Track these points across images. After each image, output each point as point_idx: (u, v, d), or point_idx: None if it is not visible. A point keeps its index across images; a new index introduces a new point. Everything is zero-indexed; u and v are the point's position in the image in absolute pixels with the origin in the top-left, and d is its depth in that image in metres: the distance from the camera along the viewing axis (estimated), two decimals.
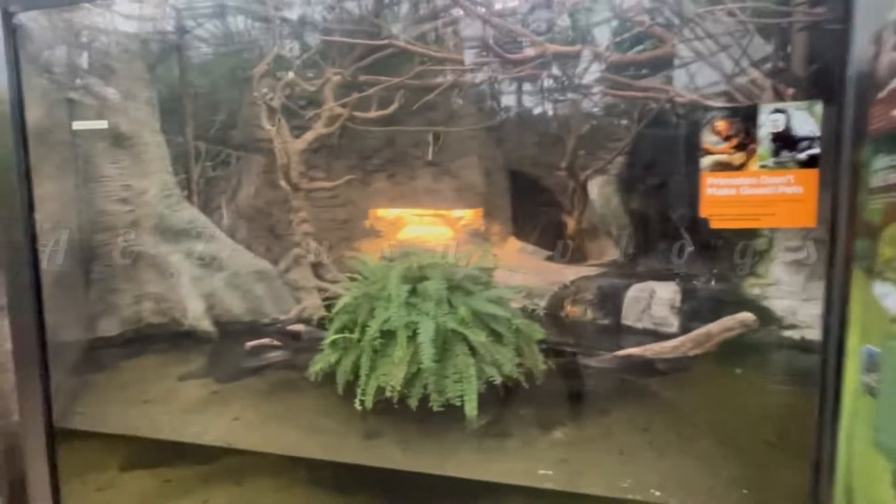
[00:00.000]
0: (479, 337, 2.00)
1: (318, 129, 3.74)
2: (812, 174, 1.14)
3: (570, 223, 5.13)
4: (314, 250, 3.72)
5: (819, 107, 1.12)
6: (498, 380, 2.02)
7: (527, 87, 5.56)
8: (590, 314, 3.65)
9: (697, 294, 3.47)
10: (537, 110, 5.78)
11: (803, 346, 2.91)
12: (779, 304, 3.27)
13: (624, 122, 5.23)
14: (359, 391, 2.00)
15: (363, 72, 4.52)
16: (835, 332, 1.17)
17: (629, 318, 3.42)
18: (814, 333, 3.05)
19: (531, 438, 2.10)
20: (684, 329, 3.11)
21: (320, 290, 3.67)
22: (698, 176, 3.83)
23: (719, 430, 2.05)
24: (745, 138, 1.16)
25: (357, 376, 2.08)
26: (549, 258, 4.90)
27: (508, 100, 5.78)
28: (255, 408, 2.37)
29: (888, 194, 0.91)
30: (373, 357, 2.02)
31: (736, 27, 3.75)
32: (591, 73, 4.08)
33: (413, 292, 2.12)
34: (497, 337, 2.14)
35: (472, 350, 2.05)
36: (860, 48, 1.07)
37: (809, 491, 1.24)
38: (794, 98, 3.89)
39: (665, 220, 5.07)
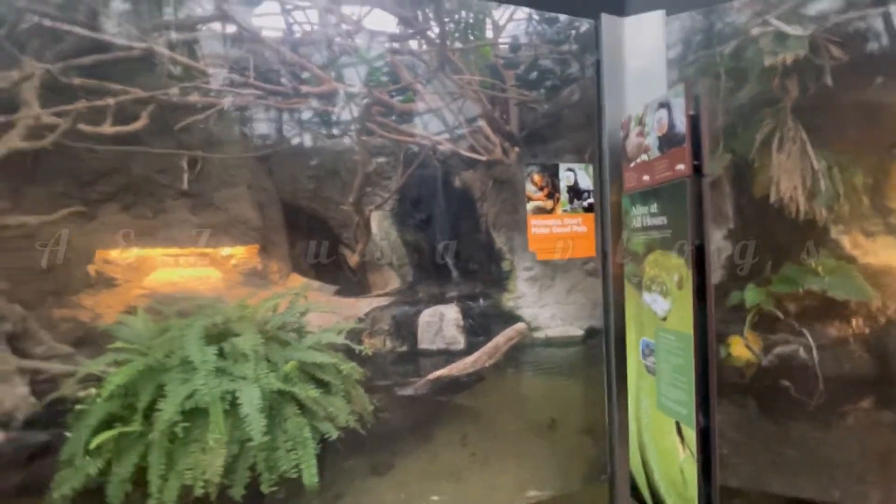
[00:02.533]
0: (310, 393, 1.80)
1: (13, 141, 2.62)
2: (591, 217, 1.55)
3: (354, 257, 5.18)
4: (15, 315, 2.53)
5: (591, 168, 1.55)
6: (334, 435, 1.85)
7: (303, 119, 5.41)
8: (388, 344, 3.75)
9: (473, 312, 4.07)
10: (313, 144, 5.67)
11: (548, 343, 3.82)
12: (526, 312, 4.18)
13: (394, 163, 5.72)
14: (151, 502, 1.48)
15: (78, 73, 3.48)
16: (612, 332, 1.61)
17: (424, 341, 3.70)
18: (552, 332, 4.04)
19: (368, 487, 2.00)
20: (470, 344, 3.60)
21: (27, 372, 2.50)
22: (456, 211, 4.53)
23: (520, 424, 2.45)
24: (552, 189, 1.48)
25: (142, 483, 1.53)
26: (338, 293, 4.80)
27: (282, 130, 5.47)
28: None
29: (645, 233, 1.34)
30: (169, 449, 1.54)
31: (476, 99, 4.71)
32: (367, 114, 4.30)
33: (220, 354, 1.73)
34: (325, 387, 1.97)
35: (302, 408, 1.82)
36: (609, 131, 1.54)
37: (608, 450, 1.63)
38: (517, 152, 5.16)
39: (433, 250, 5.77)
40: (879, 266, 3.42)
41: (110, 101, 2.92)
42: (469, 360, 2.82)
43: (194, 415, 1.58)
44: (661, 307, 1.26)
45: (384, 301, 4.40)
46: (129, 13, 3.72)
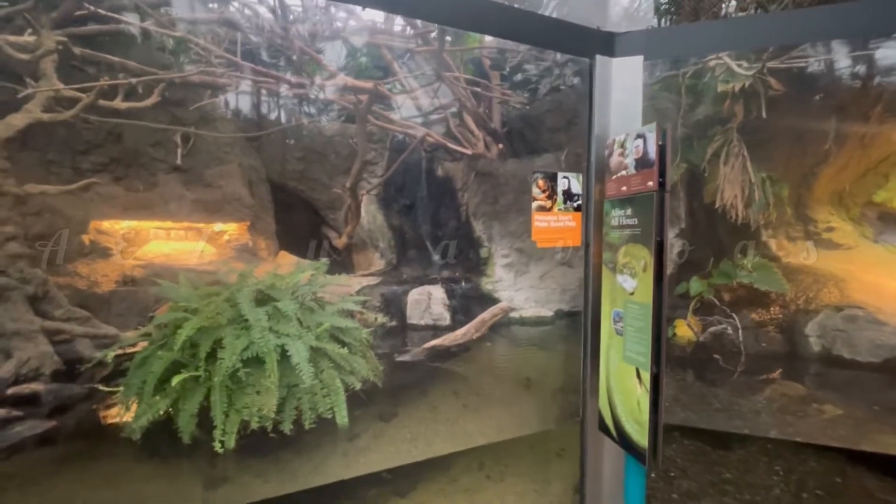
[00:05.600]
0: (340, 350, 2.15)
1: (35, 112, 2.71)
2: (578, 215, 1.96)
3: (342, 238, 5.43)
4: (37, 279, 2.68)
5: (581, 177, 1.96)
6: (358, 386, 2.21)
7: (296, 103, 5.55)
8: (379, 318, 4.09)
9: (456, 293, 4.48)
10: (304, 127, 5.82)
11: (522, 322, 4.29)
12: (503, 294, 4.64)
13: (381, 150, 5.97)
14: (217, 432, 1.79)
15: (82, 44, 3.53)
16: (590, 304, 2.04)
17: (413, 317, 4.07)
18: (526, 313, 4.52)
19: (378, 430, 2.38)
20: (454, 321, 4.00)
21: (49, 332, 2.66)
22: (438, 199, 5.05)
23: (502, 384, 2.89)
24: (551, 192, 1.89)
25: (206, 417, 1.84)
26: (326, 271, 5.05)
27: (274, 112, 5.58)
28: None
29: (621, 230, 1.77)
30: (230, 391, 1.85)
31: (463, 95, 5.05)
32: (367, 106, 4.55)
33: (266, 315, 2.04)
34: (347, 348, 2.32)
35: (332, 363, 2.16)
36: (595, 149, 1.95)
37: (581, 399, 2.09)
38: (497, 146, 5.56)
39: (417, 234, 6.11)
40: (797, 265, 4.11)
41: (132, 79, 3.04)
42: (459, 332, 3.23)
43: (248, 363, 1.89)
44: (629, 285, 1.70)
45: (372, 280, 4.73)
46: None
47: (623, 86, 1.98)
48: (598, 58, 1.95)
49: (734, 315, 3.42)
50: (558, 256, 5.20)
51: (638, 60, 1.97)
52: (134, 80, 3.08)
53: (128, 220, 4.35)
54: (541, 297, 4.60)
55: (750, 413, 2.53)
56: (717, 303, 3.62)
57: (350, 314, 2.45)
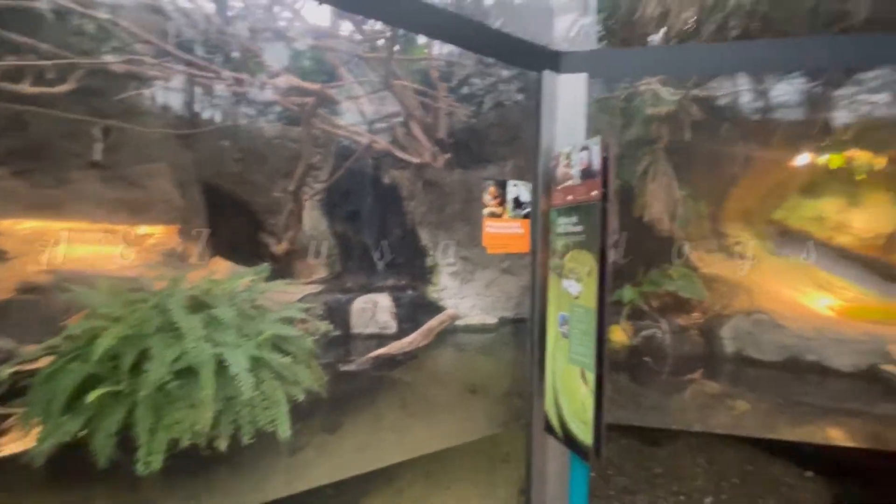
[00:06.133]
0: (282, 360, 2.04)
1: None
2: (527, 223, 2.04)
3: (283, 244, 5.19)
4: None
5: (531, 185, 2.04)
6: (301, 397, 2.11)
7: (235, 100, 5.25)
8: (322, 327, 3.94)
9: (403, 301, 4.43)
10: (243, 126, 5.52)
11: (467, 330, 4.34)
12: (449, 303, 4.66)
13: (325, 154, 5.81)
14: (141, 452, 1.62)
15: None
16: (536, 309, 2.11)
17: (358, 326, 3.96)
18: (471, 320, 4.57)
19: (322, 442, 2.28)
20: (401, 329, 3.94)
21: None
22: (384, 207, 5.08)
23: (449, 391, 2.89)
24: (502, 199, 1.94)
25: (126, 437, 1.66)
26: (265, 279, 4.78)
27: (212, 111, 5.23)
28: None
29: (567, 237, 1.85)
30: (157, 406, 1.69)
31: (412, 104, 5.09)
32: (312, 109, 4.42)
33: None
34: (292, 357, 2.21)
35: (274, 373, 2.05)
36: (542, 160, 2.04)
37: (530, 401, 2.14)
38: (444, 156, 5.63)
39: (361, 242, 5.98)
40: (712, 275, 4.54)
41: (44, 62, 2.72)
42: (406, 340, 3.19)
43: (179, 375, 1.74)
44: (575, 289, 1.78)
45: (314, 288, 4.55)
46: None
47: (568, 101, 2.09)
48: (546, 73, 2.05)
49: (662, 320, 3.70)
50: (504, 265, 5.33)
51: (582, 78, 2.09)
52: (48, 63, 2.77)
53: (31, 220, 3.85)
54: (486, 304, 4.69)
55: (677, 410, 2.74)
56: (647, 309, 3.90)
57: (292, 322, 2.33)
